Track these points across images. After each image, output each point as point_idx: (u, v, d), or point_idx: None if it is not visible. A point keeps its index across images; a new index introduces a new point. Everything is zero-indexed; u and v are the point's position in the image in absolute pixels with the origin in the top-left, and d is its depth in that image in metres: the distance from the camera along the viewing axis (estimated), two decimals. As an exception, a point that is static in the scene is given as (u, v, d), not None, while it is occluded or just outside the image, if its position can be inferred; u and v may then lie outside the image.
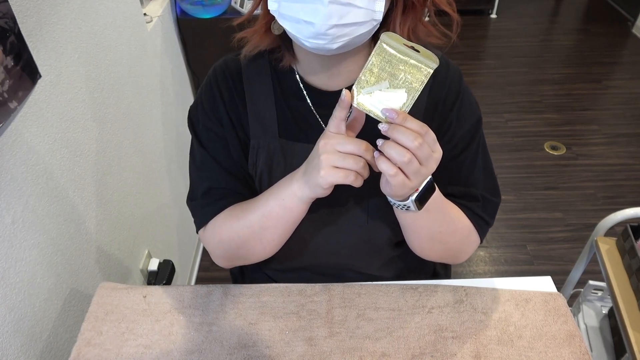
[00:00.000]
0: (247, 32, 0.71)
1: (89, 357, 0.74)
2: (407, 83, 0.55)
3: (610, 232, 1.25)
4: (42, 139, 0.88)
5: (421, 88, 0.55)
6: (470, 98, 0.76)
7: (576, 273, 1.38)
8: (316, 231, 0.79)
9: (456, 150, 0.74)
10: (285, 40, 0.70)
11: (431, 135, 0.57)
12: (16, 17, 0.78)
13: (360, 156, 0.58)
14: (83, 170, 1.03)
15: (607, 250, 1.24)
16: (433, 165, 0.58)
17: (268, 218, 0.69)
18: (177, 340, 0.76)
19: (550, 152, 2.59)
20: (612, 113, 2.87)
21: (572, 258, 2.01)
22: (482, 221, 0.77)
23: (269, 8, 0.62)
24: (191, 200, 0.78)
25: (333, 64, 0.69)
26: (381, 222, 0.76)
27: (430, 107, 0.73)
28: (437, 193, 0.67)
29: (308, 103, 0.73)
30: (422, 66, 0.54)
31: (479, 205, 0.76)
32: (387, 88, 0.56)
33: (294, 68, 0.73)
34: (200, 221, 0.77)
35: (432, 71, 0.54)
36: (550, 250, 2.06)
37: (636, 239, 1.15)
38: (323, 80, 0.72)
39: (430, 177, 0.63)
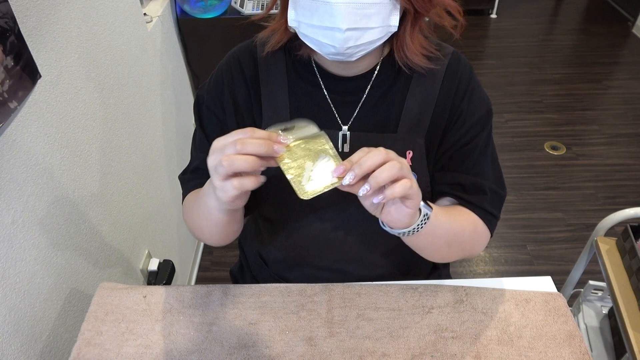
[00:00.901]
0: (266, 31, 0.73)
1: (89, 357, 0.74)
2: (320, 152, 0.57)
3: (610, 232, 1.25)
4: (42, 139, 0.88)
5: (330, 145, 0.57)
6: (481, 90, 0.77)
7: (576, 273, 1.38)
8: (326, 221, 0.79)
9: (466, 138, 0.75)
10: None
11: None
12: (16, 17, 0.78)
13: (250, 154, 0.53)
14: (83, 170, 1.03)
15: (607, 250, 1.24)
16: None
17: (204, 216, 0.69)
18: (177, 340, 0.76)
19: (551, 152, 2.59)
20: (612, 113, 2.87)
21: (572, 258, 2.01)
22: (490, 216, 0.78)
23: (289, 26, 0.64)
24: (182, 174, 0.82)
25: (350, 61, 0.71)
26: None
27: (441, 99, 0.74)
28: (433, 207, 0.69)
29: (322, 88, 0.74)
30: (314, 133, 0.58)
31: (487, 199, 0.77)
32: (313, 166, 0.57)
33: (311, 56, 0.74)
34: (183, 194, 0.81)
35: (321, 131, 0.58)
36: (550, 250, 2.06)
37: (636, 239, 1.15)
38: (340, 69, 0.73)
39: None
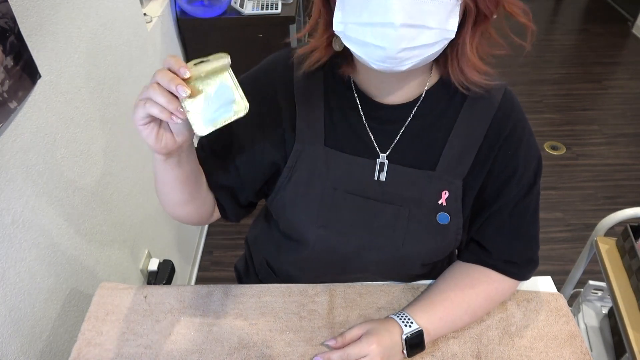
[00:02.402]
0: (306, 48, 0.68)
1: (89, 357, 0.74)
2: (220, 83, 0.54)
3: (610, 232, 1.25)
4: (42, 139, 0.88)
5: (232, 75, 0.55)
6: (533, 137, 0.71)
7: (576, 273, 1.38)
8: (350, 248, 0.75)
9: (524, 190, 0.71)
10: (345, 53, 0.65)
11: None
12: (16, 17, 0.78)
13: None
14: (83, 170, 1.03)
15: (607, 250, 1.24)
16: None
17: (157, 179, 0.68)
18: (178, 340, 0.76)
19: (550, 152, 2.59)
20: (612, 113, 2.87)
21: (572, 258, 2.01)
22: (524, 272, 0.78)
23: (334, 29, 0.59)
24: None
25: (395, 81, 0.66)
26: (416, 246, 0.73)
27: (488, 141, 0.69)
28: (432, 317, 0.72)
29: (360, 113, 0.70)
30: (220, 64, 0.55)
31: (528, 270, 0.78)
32: (212, 99, 0.55)
33: (351, 77, 0.70)
34: None
35: (226, 60, 0.55)
36: (550, 250, 2.06)
37: (636, 239, 1.15)
38: (382, 94, 0.69)
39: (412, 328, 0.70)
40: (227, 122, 0.55)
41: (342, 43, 0.61)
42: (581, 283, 1.46)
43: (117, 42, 1.23)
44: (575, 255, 1.88)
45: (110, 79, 1.18)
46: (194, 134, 0.58)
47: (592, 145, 2.63)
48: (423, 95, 0.68)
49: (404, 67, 0.57)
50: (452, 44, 0.59)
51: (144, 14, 1.53)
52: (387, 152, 0.70)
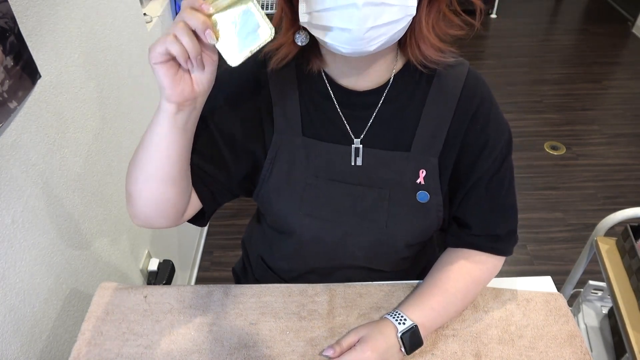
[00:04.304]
0: (272, 46, 0.69)
1: (89, 357, 0.74)
2: (244, 11, 0.54)
3: (610, 232, 1.25)
4: (42, 139, 0.88)
5: (255, 3, 0.55)
6: (500, 111, 0.74)
7: (576, 273, 1.38)
8: (337, 234, 0.77)
9: (496, 164, 0.73)
10: (312, 46, 0.68)
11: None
12: (16, 17, 0.78)
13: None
14: (83, 170, 1.03)
15: (607, 250, 1.24)
16: None
17: (144, 146, 0.63)
18: (178, 340, 0.76)
19: (550, 152, 2.59)
20: (612, 113, 2.87)
21: (572, 258, 2.01)
22: (503, 252, 0.79)
23: (300, 22, 0.60)
24: None
25: (363, 66, 0.68)
26: (400, 227, 0.75)
27: (458, 118, 0.71)
28: (424, 310, 0.73)
29: (334, 102, 0.72)
30: None
31: (510, 244, 0.79)
32: (238, 28, 0.55)
33: (322, 70, 0.72)
34: None
35: None
36: (550, 250, 2.06)
37: (636, 239, 1.15)
38: (351, 81, 0.71)
39: (407, 326, 0.71)
40: (257, 48, 0.55)
41: (304, 38, 0.63)
42: (581, 283, 1.46)
43: (117, 42, 1.23)
44: (575, 255, 1.88)
45: (110, 79, 1.18)
46: (211, 86, 0.57)
47: (592, 145, 2.63)
48: (391, 79, 0.71)
49: (372, 47, 0.58)
50: (411, 30, 0.62)
51: (144, 14, 1.53)
52: (361, 137, 0.73)
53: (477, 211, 0.76)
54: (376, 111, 0.72)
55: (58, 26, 0.94)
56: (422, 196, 0.73)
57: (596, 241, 1.26)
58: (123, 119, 1.25)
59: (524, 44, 3.67)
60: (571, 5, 4.34)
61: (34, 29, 0.85)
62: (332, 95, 0.72)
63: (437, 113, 0.71)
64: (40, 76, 0.86)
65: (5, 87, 0.75)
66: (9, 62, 0.76)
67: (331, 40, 0.58)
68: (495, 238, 0.77)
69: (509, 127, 0.74)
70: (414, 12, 0.58)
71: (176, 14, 1.86)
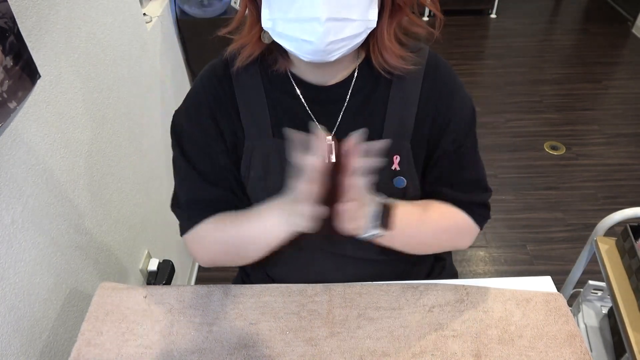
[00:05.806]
0: (235, 45, 0.70)
1: (89, 357, 0.74)
2: None
3: (610, 232, 1.25)
4: (42, 139, 0.88)
5: None
6: (464, 89, 0.77)
7: (576, 273, 1.38)
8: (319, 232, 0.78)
9: (460, 139, 0.75)
10: (278, 45, 0.68)
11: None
12: (16, 17, 0.78)
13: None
14: (83, 170, 1.03)
15: (607, 250, 1.24)
16: None
17: (253, 239, 0.72)
18: (178, 340, 0.76)
19: (550, 152, 2.59)
20: (612, 113, 2.87)
21: (572, 258, 2.01)
22: (480, 210, 0.80)
23: (263, 26, 0.62)
24: (175, 207, 0.80)
25: (327, 66, 0.69)
26: None
27: (424, 100, 0.73)
28: (403, 208, 0.71)
29: (301, 100, 0.73)
30: None
31: (481, 195, 0.80)
32: None
33: (288, 70, 0.72)
34: (184, 228, 0.79)
35: None
36: (550, 250, 2.06)
37: (636, 239, 1.15)
38: (318, 78, 0.72)
39: (381, 199, 0.68)
40: None
41: (270, 37, 0.64)
42: (581, 283, 1.46)
43: (117, 42, 1.23)
44: (575, 255, 1.87)
45: (110, 79, 1.18)
46: None
47: (592, 145, 2.63)
48: (357, 70, 0.72)
49: (333, 58, 0.61)
50: (372, 33, 0.64)
51: (144, 14, 1.53)
52: (333, 132, 0.73)
53: (446, 183, 0.78)
54: (345, 104, 0.72)
55: (58, 26, 0.94)
56: (399, 182, 0.74)
57: (596, 241, 1.26)
58: (123, 119, 1.25)
59: (523, 44, 3.67)
60: (571, 5, 4.34)
61: (33, 29, 0.85)
62: (300, 94, 0.73)
63: (403, 99, 0.72)
64: (40, 76, 0.86)
65: (5, 87, 0.75)
66: (9, 62, 0.76)
67: (293, 48, 0.61)
68: (466, 205, 0.78)
69: (472, 104, 0.77)
70: (374, 25, 0.61)
71: (176, 13, 1.86)
